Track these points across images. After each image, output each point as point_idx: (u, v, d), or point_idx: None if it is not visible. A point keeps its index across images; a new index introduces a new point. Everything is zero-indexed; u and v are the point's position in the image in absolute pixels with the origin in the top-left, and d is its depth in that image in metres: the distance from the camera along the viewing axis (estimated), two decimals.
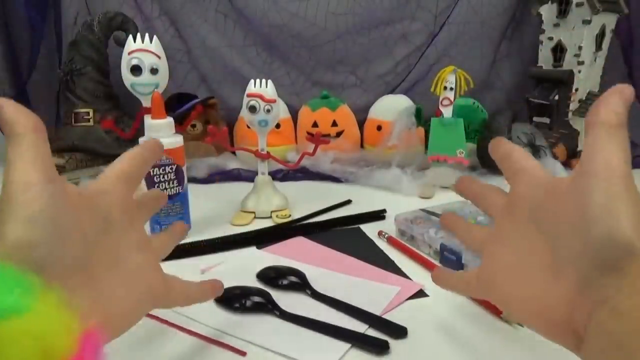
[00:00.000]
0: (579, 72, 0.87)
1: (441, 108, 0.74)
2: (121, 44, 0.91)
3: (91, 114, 0.90)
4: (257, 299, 0.40)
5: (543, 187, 0.25)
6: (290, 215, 0.63)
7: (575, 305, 0.21)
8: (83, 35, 0.90)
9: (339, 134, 0.92)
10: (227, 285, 0.41)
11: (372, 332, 0.37)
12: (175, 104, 0.88)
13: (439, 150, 0.75)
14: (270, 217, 0.63)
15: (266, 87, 0.59)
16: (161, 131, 0.52)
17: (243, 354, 0.34)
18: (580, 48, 0.86)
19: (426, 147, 0.79)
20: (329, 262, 0.49)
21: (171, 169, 0.53)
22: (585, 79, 0.89)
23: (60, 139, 0.88)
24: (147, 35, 0.54)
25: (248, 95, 0.59)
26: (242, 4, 1.01)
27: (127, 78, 0.54)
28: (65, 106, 0.93)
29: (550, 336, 0.24)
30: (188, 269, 0.47)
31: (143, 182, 0.52)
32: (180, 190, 0.54)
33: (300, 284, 0.43)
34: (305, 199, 0.70)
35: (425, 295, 0.43)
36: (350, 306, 0.40)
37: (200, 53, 1.05)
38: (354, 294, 0.42)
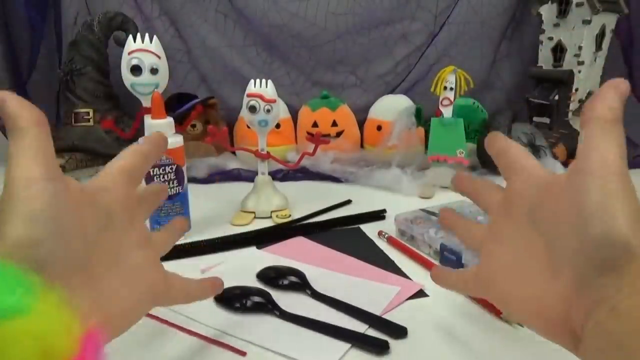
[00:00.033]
0: (579, 72, 0.87)
1: (441, 108, 0.74)
2: (121, 44, 0.91)
3: (91, 114, 0.90)
4: (257, 299, 0.40)
5: (539, 185, 0.25)
6: (290, 215, 0.63)
7: (572, 305, 0.21)
8: (83, 35, 0.90)
9: (339, 134, 0.92)
10: (227, 285, 0.41)
11: (372, 332, 0.37)
12: (175, 104, 0.88)
13: (439, 150, 0.75)
14: (270, 217, 0.63)
15: (266, 87, 0.59)
16: (161, 131, 0.52)
17: (243, 354, 0.34)
18: (580, 48, 0.86)
19: (426, 147, 0.79)
20: (329, 262, 0.49)
21: (171, 169, 0.53)
22: (585, 79, 0.89)
23: (60, 139, 0.88)
24: (147, 35, 0.54)
25: (248, 95, 0.59)
26: (242, 4, 1.01)
27: (127, 78, 0.54)
28: (65, 106, 0.93)
29: (548, 336, 0.24)
30: (188, 269, 0.47)
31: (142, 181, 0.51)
32: (180, 190, 0.55)
33: (300, 284, 0.43)
34: (305, 199, 0.70)
35: (425, 295, 0.43)
36: (350, 306, 0.40)
37: (200, 53, 1.05)
38: (354, 294, 0.42)
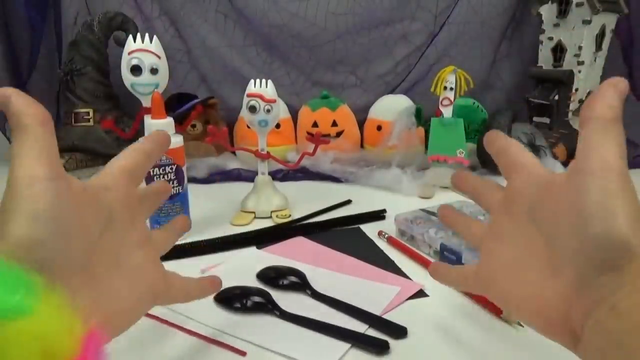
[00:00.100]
0: (579, 72, 0.87)
1: (441, 108, 0.74)
2: (121, 44, 0.91)
3: (91, 114, 0.90)
4: (257, 299, 0.40)
5: (540, 184, 0.25)
6: (290, 215, 0.63)
7: (572, 304, 0.21)
8: (83, 35, 0.90)
9: (339, 134, 0.92)
10: (227, 285, 0.41)
11: (372, 332, 0.37)
12: (175, 104, 0.88)
13: (439, 150, 0.75)
14: (270, 217, 0.63)
15: (266, 87, 0.59)
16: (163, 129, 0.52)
17: (243, 354, 0.34)
18: (580, 48, 0.86)
19: (426, 147, 0.79)
20: (329, 262, 0.49)
21: (171, 169, 0.53)
22: (585, 79, 0.89)
23: (60, 139, 0.86)
24: (147, 35, 0.54)
25: (248, 95, 0.59)
26: (242, 4, 1.01)
27: (127, 78, 0.54)
28: (65, 106, 0.93)
29: (547, 334, 0.24)
30: (188, 269, 0.47)
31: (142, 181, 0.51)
32: (180, 190, 0.55)
33: (300, 284, 0.43)
34: (305, 199, 0.70)
35: (425, 295, 0.43)
36: (350, 306, 0.40)
37: (200, 53, 1.05)
38: (354, 294, 0.42)
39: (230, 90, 1.05)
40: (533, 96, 0.93)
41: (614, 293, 0.19)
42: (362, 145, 0.98)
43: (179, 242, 0.52)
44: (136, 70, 0.53)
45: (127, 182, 0.26)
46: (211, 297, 0.41)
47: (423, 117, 0.86)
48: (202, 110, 0.74)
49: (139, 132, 0.55)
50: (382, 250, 0.53)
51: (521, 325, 0.37)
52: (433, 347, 0.35)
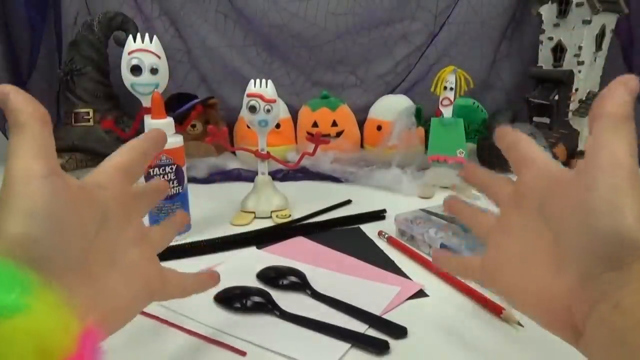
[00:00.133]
0: (579, 72, 0.87)
1: (441, 108, 0.74)
2: (121, 44, 0.91)
3: (91, 114, 0.90)
4: (257, 299, 0.40)
5: (550, 179, 0.25)
6: (290, 215, 0.63)
7: (575, 299, 0.21)
8: (83, 35, 0.90)
9: (339, 134, 0.92)
10: (227, 285, 0.41)
11: (372, 332, 0.37)
12: (175, 104, 0.88)
13: (439, 150, 0.75)
14: (270, 217, 0.63)
15: (266, 87, 0.59)
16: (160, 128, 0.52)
17: (243, 354, 0.34)
18: (580, 48, 0.86)
19: (426, 147, 0.79)
20: (329, 262, 0.49)
21: (171, 169, 0.53)
22: (585, 79, 0.88)
23: (60, 139, 0.88)
24: (147, 35, 0.54)
25: (248, 95, 0.59)
26: (242, 4, 1.01)
27: (127, 78, 0.54)
28: (65, 106, 0.93)
29: (549, 328, 0.24)
30: (188, 269, 0.46)
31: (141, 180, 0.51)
32: (180, 190, 0.54)
33: (300, 284, 0.43)
34: (305, 199, 0.70)
35: (425, 295, 0.43)
36: (350, 306, 0.40)
37: (200, 53, 1.05)
38: (354, 294, 0.42)
39: (230, 90, 1.05)
40: (533, 96, 0.92)
41: (618, 290, 0.19)
42: (362, 145, 0.98)
43: (179, 242, 0.52)
44: (136, 70, 0.53)
45: (122, 180, 0.26)
46: (211, 297, 0.41)
47: (423, 117, 0.86)
48: (202, 110, 0.74)
49: (139, 132, 0.54)
50: (382, 250, 0.53)
51: (521, 325, 0.37)
52: (433, 347, 0.35)
